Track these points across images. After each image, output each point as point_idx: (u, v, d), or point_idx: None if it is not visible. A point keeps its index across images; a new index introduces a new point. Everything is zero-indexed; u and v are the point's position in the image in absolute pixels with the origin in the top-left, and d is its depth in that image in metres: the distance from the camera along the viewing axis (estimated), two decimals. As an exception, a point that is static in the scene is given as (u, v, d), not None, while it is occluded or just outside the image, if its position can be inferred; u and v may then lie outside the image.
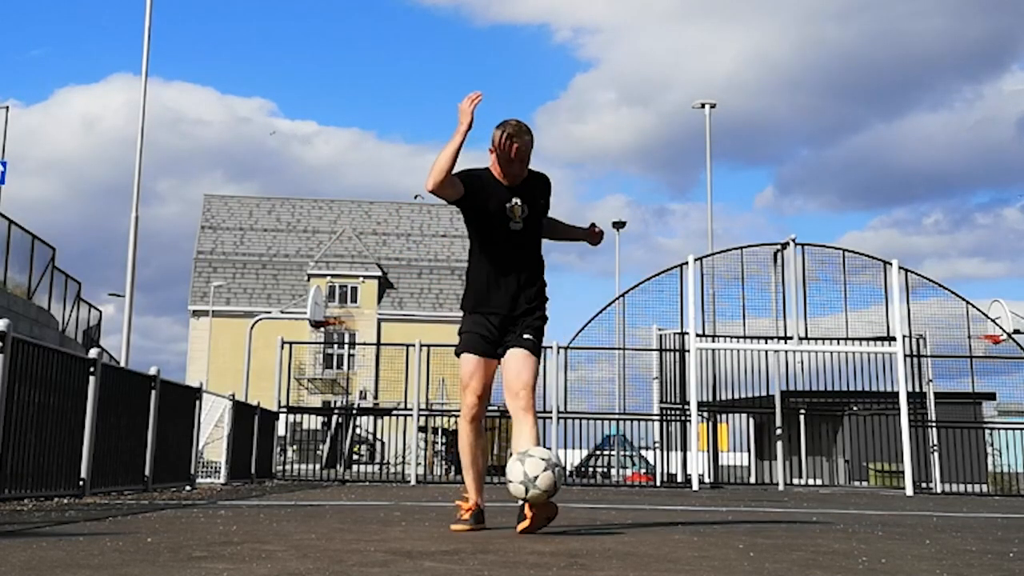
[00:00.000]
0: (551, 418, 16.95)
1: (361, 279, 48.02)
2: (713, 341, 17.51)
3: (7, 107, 23.66)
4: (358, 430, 25.43)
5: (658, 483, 17.81)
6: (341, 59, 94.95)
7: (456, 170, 4.42)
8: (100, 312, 29.14)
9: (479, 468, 4.70)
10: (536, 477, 4.18)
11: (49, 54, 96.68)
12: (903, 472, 16.24)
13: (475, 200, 4.52)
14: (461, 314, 4.70)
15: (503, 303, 4.54)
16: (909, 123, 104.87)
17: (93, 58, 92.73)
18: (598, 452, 23.17)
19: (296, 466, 19.41)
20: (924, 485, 17.16)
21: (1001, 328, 18.53)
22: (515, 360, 4.50)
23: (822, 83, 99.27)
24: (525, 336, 4.53)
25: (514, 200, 4.56)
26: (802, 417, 19.65)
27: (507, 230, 4.54)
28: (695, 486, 15.65)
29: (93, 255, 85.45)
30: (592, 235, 4.96)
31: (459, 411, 4.75)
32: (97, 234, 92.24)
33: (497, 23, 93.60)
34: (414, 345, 17.10)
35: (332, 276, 47.66)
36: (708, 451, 18.98)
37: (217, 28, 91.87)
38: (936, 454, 17.48)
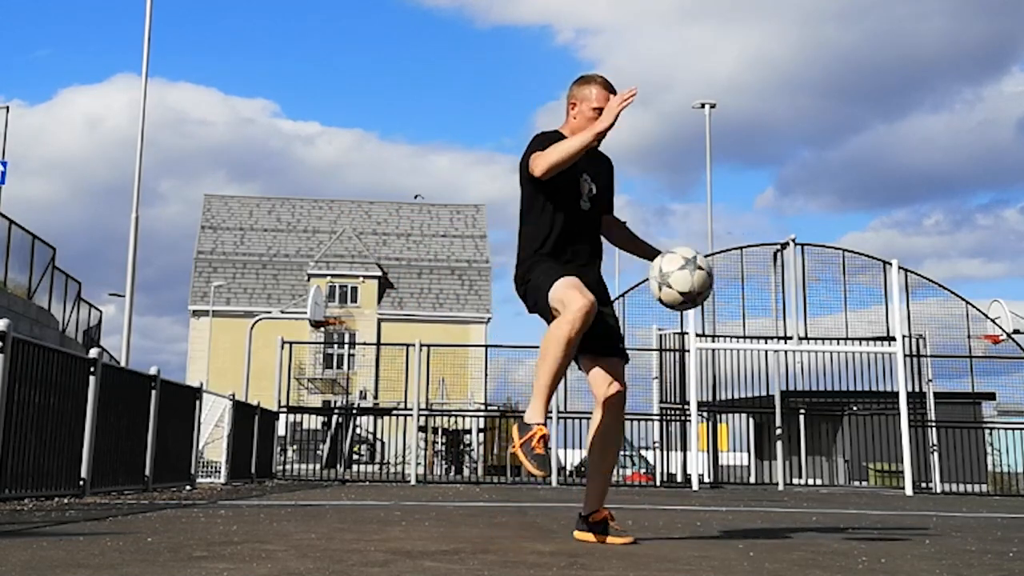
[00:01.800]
0: (551, 418, 16.94)
1: (361, 279, 48.01)
2: (713, 341, 17.51)
3: (7, 107, 23.66)
4: (358, 430, 25.43)
5: (658, 483, 17.81)
6: (344, 60, 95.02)
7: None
8: (100, 312, 29.15)
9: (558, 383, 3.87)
10: (669, 273, 3.72)
11: (53, 54, 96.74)
12: (903, 472, 16.23)
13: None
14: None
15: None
16: (910, 124, 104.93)
17: (97, 58, 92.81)
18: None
19: (296, 466, 19.41)
20: (924, 485, 17.16)
21: (1001, 328, 18.53)
22: (612, 368, 3.97)
23: (823, 84, 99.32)
24: (621, 346, 4.03)
25: (584, 176, 3.96)
26: (802, 417, 19.65)
27: (575, 209, 3.93)
28: (695, 486, 15.65)
29: (95, 255, 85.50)
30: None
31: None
32: (99, 234, 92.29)
33: (499, 24, 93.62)
34: (414, 345, 17.09)
35: (332, 276, 47.64)
36: (708, 451, 18.97)
37: (221, 29, 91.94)
38: (936, 454, 17.48)
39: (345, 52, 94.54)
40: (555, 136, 3.91)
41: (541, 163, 3.75)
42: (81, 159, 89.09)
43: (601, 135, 3.67)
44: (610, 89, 3.91)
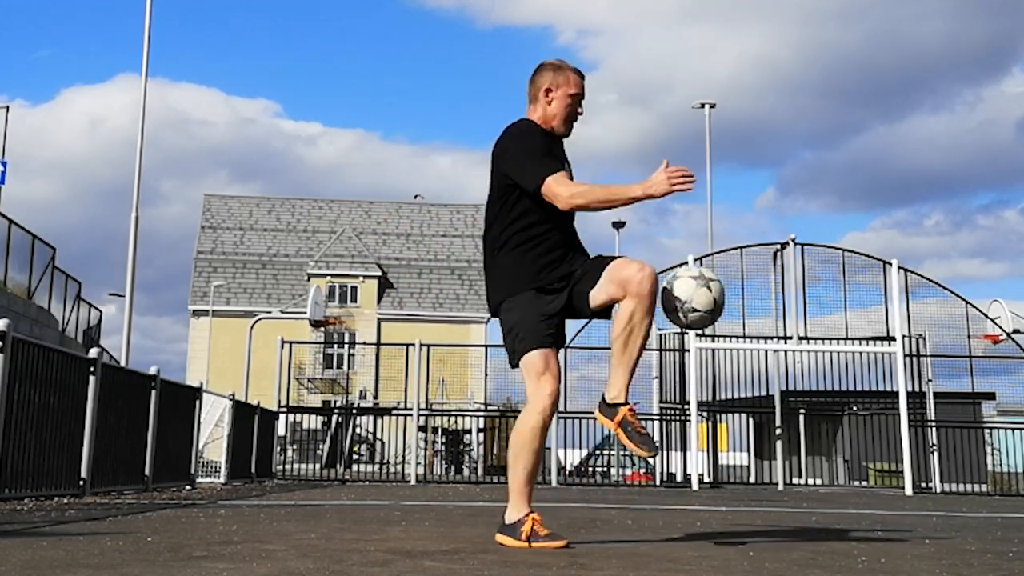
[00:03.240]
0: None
1: (361, 279, 48.02)
2: (713, 341, 17.51)
3: (7, 107, 23.64)
4: (358, 430, 25.43)
5: (658, 483, 17.82)
6: (345, 60, 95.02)
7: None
8: (100, 312, 29.15)
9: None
10: (688, 300, 3.66)
11: (56, 54, 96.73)
12: (903, 472, 16.24)
13: None
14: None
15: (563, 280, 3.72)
16: (910, 125, 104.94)
17: (98, 58, 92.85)
18: (598, 452, 23.18)
19: (296, 466, 19.41)
20: (924, 485, 17.16)
21: (1001, 328, 18.53)
22: (606, 260, 3.68)
23: (823, 85, 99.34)
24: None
25: (565, 166, 3.80)
26: (802, 417, 19.65)
27: (561, 213, 3.75)
28: (695, 486, 15.65)
29: (97, 255, 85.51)
30: None
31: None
32: (100, 234, 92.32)
33: (500, 25, 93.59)
34: (414, 345, 17.09)
35: (332, 276, 47.65)
36: (708, 451, 18.97)
37: (223, 30, 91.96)
38: (936, 454, 17.48)
39: (347, 53, 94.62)
40: (536, 129, 3.76)
41: (573, 200, 3.58)
42: (83, 159, 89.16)
43: (641, 197, 3.56)
44: (578, 70, 3.86)
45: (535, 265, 3.69)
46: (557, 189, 3.59)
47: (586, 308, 3.69)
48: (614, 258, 3.67)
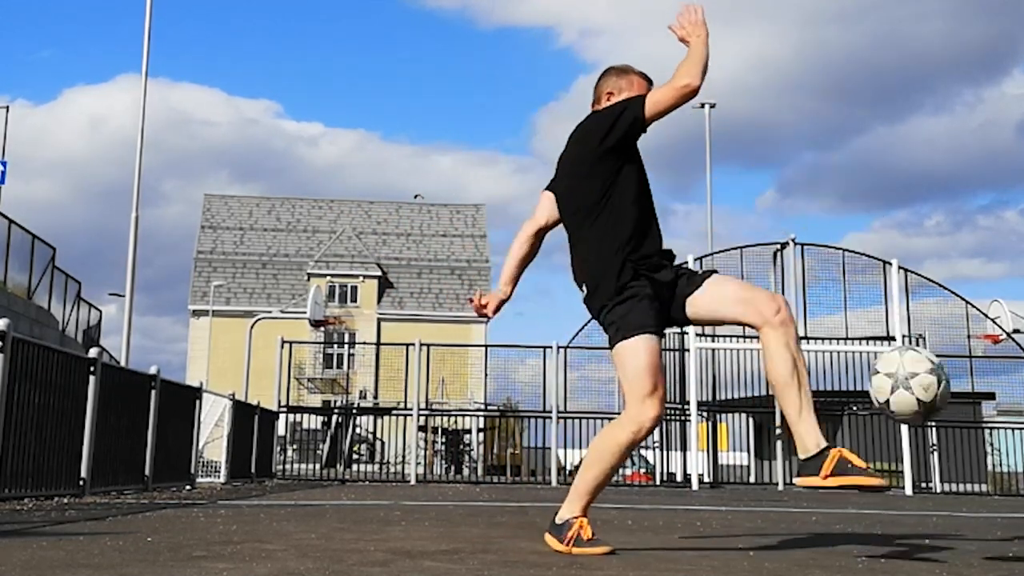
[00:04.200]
0: (551, 418, 16.95)
1: (361, 279, 48.01)
2: (713, 341, 17.51)
3: (7, 107, 23.65)
4: (358, 430, 25.43)
5: (658, 483, 17.81)
6: (347, 61, 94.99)
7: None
8: (100, 312, 29.15)
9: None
10: (915, 374, 3.19)
11: (58, 54, 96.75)
12: (903, 472, 16.23)
13: (633, 154, 3.59)
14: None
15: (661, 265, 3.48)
16: (911, 126, 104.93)
17: (100, 58, 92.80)
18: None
19: (296, 466, 19.40)
20: (924, 485, 17.16)
21: (1001, 328, 18.53)
22: (718, 279, 3.47)
23: (823, 86, 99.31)
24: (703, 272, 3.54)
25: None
26: (802, 417, 19.61)
27: (648, 196, 3.61)
28: (695, 486, 15.64)
29: (98, 255, 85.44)
30: None
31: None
32: (102, 234, 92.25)
33: (502, 26, 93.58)
34: (414, 345, 17.10)
35: (332, 276, 47.64)
36: (708, 451, 18.97)
37: (225, 30, 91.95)
38: (936, 454, 17.48)
39: (348, 53, 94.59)
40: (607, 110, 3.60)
41: (698, 78, 3.37)
42: (84, 159, 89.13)
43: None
44: (646, 78, 3.70)
45: (643, 288, 3.51)
46: (675, 89, 3.39)
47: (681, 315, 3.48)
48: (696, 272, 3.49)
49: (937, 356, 3.32)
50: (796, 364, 3.23)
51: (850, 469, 3.05)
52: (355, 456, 24.30)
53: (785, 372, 3.23)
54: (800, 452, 3.20)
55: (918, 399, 3.14)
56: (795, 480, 3.26)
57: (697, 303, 3.41)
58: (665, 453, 18.20)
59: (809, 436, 3.16)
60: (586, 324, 17.89)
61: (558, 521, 3.43)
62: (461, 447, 24.70)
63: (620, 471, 21.59)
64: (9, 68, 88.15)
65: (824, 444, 3.11)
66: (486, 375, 18.51)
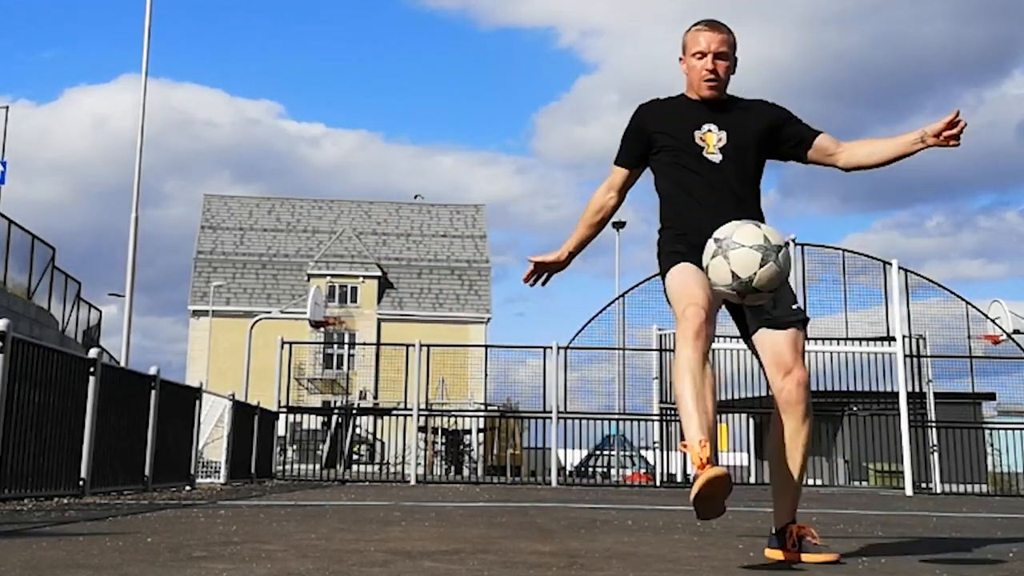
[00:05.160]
0: (551, 418, 16.94)
1: (361, 279, 48.00)
2: (713, 341, 17.50)
3: (7, 107, 23.64)
4: (358, 430, 25.43)
5: (658, 483, 17.81)
6: (348, 61, 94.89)
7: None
8: (100, 312, 29.14)
9: (707, 401, 3.08)
10: (738, 244, 3.01)
11: (60, 55, 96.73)
12: (903, 472, 16.23)
13: (657, 140, 3.53)
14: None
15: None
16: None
17: (102, 58, 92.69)
18: (598, 452, 23.18)
19: (296, 466, 19.40)
20: (924, 485, 17.15)
21: (1001, 328, 18.53)
22: (791, 339, 3.35)
23: (824, 87, 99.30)
24: (795, 306, 3.43)
25: (707, 127, 3.48)
26: (802, 417, 19.62)
27: (701, 162, 3.45)
28: (695, 486, 15.63)
29: (99, 255, 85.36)
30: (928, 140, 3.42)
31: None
32: (104, 234, 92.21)
33: (503, 26, 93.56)
34: (414, 345, 17.09)
35: (332, 276, 47.63)
36: (708, 451, 18.93)
37: (227, 31, 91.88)
38: (936, 454, 17.48)
39: (350, 54, 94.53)
40: (659, 104, 3.59)
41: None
42: (86, 159, 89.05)
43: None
44: (711, 26, 3.52)
45: (682, 238, 3.49)
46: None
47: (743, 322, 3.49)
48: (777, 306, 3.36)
49: (782, 236, 3.07)
50: (784, 446, 3.30)
51: (806, 545, 3.22)
52: (355, 457, 24.30)
53: (771, 441, 3.37)
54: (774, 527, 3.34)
55: (733, 272, 2.97)
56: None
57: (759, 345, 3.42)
58: (665, 453, 18.19)
59: (782, 510, 3.33)
60: (586, 325, 17.90)
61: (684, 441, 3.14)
62: (461, 448, 24.70)
63: (620, 471, 21.64)
64: (12, 68, 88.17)
65: (691, 437, 3.03)
66: (486, 375, 18.51)
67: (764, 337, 3.38)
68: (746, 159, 3.48)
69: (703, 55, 3.48)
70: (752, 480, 21.55)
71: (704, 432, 2.98)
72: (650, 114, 3.57)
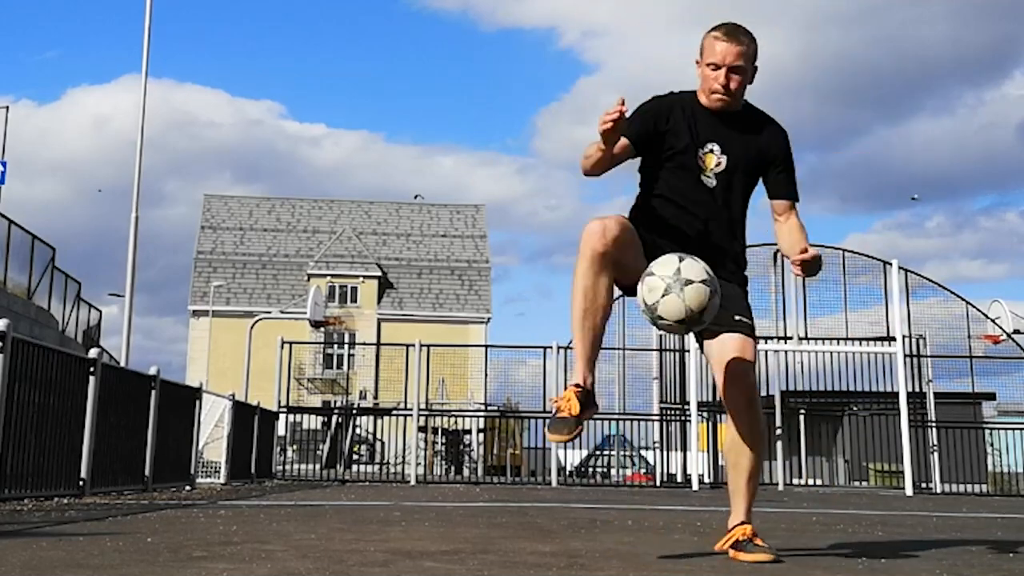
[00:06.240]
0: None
1: (361, 279, 47.99)
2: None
3: (7, 107, 23.64)
4: (358, 430, 25.43)
5: (658, 483, 17.81)
6: (350, 62, 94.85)
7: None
8: (100, 312, 29.15)
9: (596, 330, 3.19)
10: (654, 306, 3.04)
11: (62, 55, 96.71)
12: (903, 472, 16.23)
13: (656, 138, 3.43)
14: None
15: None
16: (912, 128, 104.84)
17: (105, 58, 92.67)
18: (598, 452, 23.19)
19: (296, 466, 19.40)
20: (924, 485, 17.16)
21: (1001, 328, 18.54)
22: (732, 343, 3.32)
23: (825, 87, 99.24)
24: (737, 317, 3.35)
25: (709, 146, 3.42)
26: (802, 417, 19.64)
27: (697, 182, 3.42)
28: (695, 486, 15.64)
29: (100, 255, 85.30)
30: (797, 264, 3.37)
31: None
32: (104, 234, 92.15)
33: (504, 27, 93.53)
34: (414, 345, 17.09)
35: (332, 276, 47.62)
36: (708, 451, 18.97)
37: (228, 31, 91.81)
38: (936, 454, 17.48)
39: (351, 54, 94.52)
40: (672, 98, 3.53)
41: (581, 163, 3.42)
42: (87, 159, 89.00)
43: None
44: (729, 35, 3.43)
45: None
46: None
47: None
48: (727, 311, 3.28)
49: (704, 272, 3.07)
50: (738, 443, 3.35)
51: (743, 544, 3.25)
52: (355, 457, 24.29)
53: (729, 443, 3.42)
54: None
55: (688, 307, 3.00)
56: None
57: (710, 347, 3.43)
58: (665, 453, 18.20)
59: (736, 508, 3.39)
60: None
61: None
62: (461, 447, 24.69)
63: (620, 471, 21.62)
64: (13, 68, 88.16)
65: (573, 381, 3.20)
66: (486, 375, 18.52)
67: (711, 344, 3.40)
68: (738, 188, 3.47)
69: (717, 67, 3.40)
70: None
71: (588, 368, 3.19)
72: (671, 111, 3.47)
